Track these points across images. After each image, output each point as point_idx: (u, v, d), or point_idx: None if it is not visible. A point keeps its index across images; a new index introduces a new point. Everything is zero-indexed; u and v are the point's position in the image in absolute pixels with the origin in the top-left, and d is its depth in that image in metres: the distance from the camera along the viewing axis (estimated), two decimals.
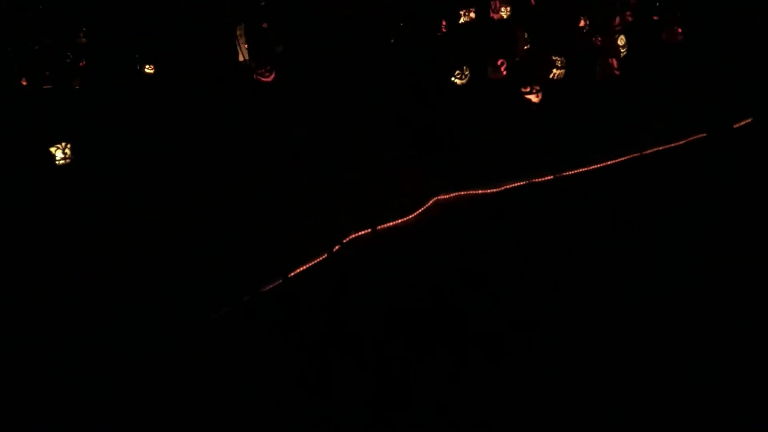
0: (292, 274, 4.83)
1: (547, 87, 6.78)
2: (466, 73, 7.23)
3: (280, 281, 4.75)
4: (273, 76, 6.57)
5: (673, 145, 6.12)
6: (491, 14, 7.51)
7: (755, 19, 7.42)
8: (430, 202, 5.89)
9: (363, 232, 5.45)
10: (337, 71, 6.38)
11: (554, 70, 7.13)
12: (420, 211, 5.74)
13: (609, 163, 6.10)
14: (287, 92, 6.12)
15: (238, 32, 7.90)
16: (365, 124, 5.91)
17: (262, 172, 5.31)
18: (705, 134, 6.12)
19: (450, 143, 6.11)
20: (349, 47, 6.71)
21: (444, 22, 8.20)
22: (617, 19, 8.14)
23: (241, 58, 7.26)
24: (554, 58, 7.11)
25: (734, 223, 4.83)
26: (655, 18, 8.47)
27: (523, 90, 6.42)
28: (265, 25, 7.84)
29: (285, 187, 5.29)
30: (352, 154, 5.72)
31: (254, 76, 6.45)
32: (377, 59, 6.62)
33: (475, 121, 6.32)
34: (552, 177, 6.00)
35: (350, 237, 5.37)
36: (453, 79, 7.15)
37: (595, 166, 6.06)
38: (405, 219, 5.64)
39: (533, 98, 6.42)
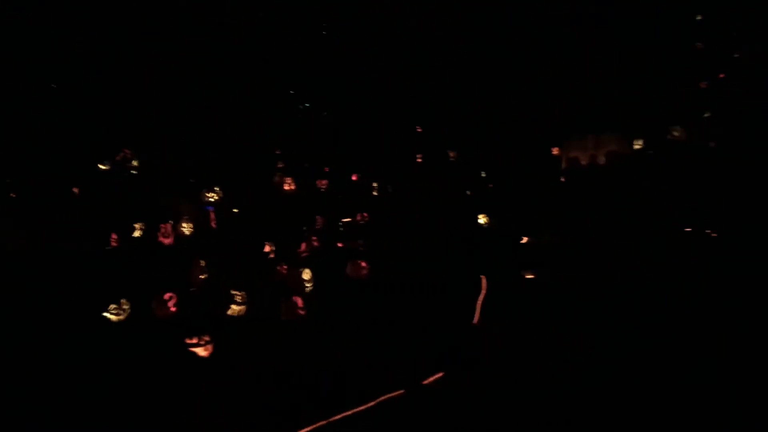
0: None
1: (225, 327, 5.74)
2: (126, 307, 5.86)
3: None
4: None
5: (363, 408, 5.36)
6: (161, 239, 6.37)
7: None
8: None
9: None
10: None
11: (233, 307, 6.16)
12: None
13: None
14: None
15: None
16: None
17: None
18: (401, 392, 5.52)
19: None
20: None
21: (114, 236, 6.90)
22: (303, 245, 7.71)
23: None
24: (233, 292, 6.17)
25: None
26: (340, 245, 8.26)
27: (188, 341, 5.19)
28: None
29: None
30: None
31: None
32: None
33: (126, 383, 4.85)
34: None
35: None
36: (106, 314, 5.72)
37: None
38: None
39: (201, 352, 5.22)
